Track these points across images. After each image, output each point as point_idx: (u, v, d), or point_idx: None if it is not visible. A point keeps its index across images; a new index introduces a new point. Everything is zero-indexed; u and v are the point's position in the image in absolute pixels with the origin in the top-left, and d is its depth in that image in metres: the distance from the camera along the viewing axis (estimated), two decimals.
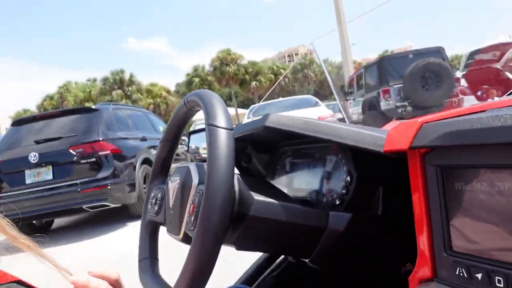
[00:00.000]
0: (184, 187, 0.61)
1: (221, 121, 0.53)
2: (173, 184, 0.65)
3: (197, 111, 0.64)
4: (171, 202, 0.65)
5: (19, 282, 0.80)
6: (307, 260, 0.64)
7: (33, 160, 4.31)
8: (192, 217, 0.57)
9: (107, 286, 0.54)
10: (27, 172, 4.34)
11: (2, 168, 4.42)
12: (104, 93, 35.27)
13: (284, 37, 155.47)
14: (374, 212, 0.62)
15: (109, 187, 4.31)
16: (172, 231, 0.64)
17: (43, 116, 5.09)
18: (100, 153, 4.38)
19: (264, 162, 0.90)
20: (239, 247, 0.62)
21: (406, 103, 7.38)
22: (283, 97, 14.67)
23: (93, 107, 5.02)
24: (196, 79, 37.95)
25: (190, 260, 0.49)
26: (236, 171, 0.79)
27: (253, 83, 38.98)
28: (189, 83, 38.25)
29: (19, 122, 4.98)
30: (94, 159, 4.37)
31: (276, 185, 0.83)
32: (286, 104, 8.75)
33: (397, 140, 0.53)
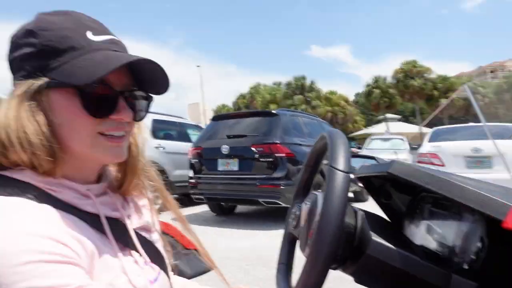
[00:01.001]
0: (311, 213, 0.68)
1: (340, 163, 0.58)
2: (306, 206, 0.72)
3: None
4: (302, 222, 0.73)
5: (197, 251, 1.01)
6: None
7: (224, 151, 5.11)
8: (309, 242, 0.62)
9: None
10: (219, 160, 5.19)
11: (203, 154, 5.41)
12: (287, 97, 37.95)
13: (487, 49, 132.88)
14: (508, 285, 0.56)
15: (281, 187, 4.72)
16: (301, 247, 0.72)
17: (235, 115, 6.05)
18: (277, 154, 4.85)
19: (405, 201, 0.88)
20: (357, 280, 0.65)
21: None
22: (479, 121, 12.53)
23: (274, 111, 5.57)
24: (376, 91, 36.59)
25: (299, 282, 0.56)
26: (371, 208, 0.80)
27: (442, 100, 35.00)
28: (368, 94, 37.25)
29: (217, 118, 6.03)
30: (271, 159, 4.87)
31: (412, 230, 0.81)
32: (477, 131, 7.50)
33: None
